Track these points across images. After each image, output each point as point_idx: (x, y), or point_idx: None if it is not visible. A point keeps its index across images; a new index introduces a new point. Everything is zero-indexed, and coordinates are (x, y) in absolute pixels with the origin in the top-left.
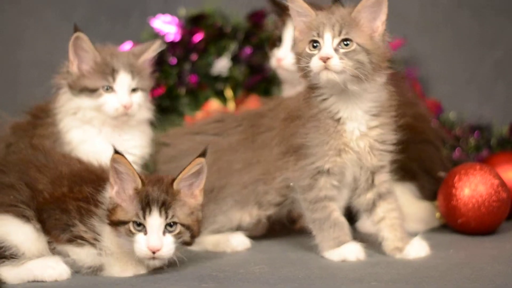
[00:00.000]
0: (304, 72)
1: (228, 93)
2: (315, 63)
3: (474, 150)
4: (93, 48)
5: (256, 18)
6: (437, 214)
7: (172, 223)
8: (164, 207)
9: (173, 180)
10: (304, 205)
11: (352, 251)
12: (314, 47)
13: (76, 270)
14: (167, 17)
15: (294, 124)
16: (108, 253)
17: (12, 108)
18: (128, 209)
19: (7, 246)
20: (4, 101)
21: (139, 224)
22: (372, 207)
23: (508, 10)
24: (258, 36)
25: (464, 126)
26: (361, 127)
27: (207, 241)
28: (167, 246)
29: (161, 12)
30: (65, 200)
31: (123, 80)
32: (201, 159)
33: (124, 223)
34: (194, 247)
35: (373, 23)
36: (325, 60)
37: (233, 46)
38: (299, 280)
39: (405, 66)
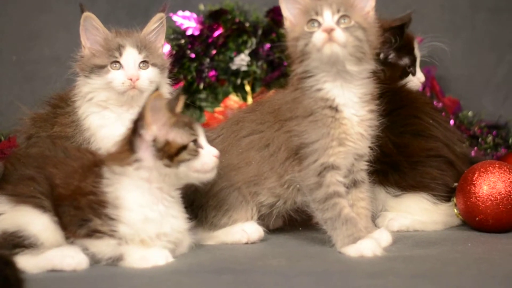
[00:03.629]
0: (302, 54)
1: (247, 88)
2: (318, 37)
3: (492, 149)
4: (102, 25)
5: (275, 14)
6: (455, 211)
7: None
8: None
9: None
10: (314, 206)
11: (368, 247)
12: (313, 26)
13: (95, 262)
14: (187, 13)
15: (287, 126)
16: (129, 240)
17: (31, 103)
18: (181, 135)
19: (26, 236)
20: (23, 96)
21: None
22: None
23: None
24: (277, 32)
25: (482, 125)
26: (358, 113)
27: (222, 234)
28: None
29: (181, 7)
30: (76, 197)
31: (129, 55)
32: None
33: (184, 147)
34: (210, 241)
35: (365, 7)
36: (329, 31)
37: (252, 42)
38: (317, 274)
39: (425, 64)
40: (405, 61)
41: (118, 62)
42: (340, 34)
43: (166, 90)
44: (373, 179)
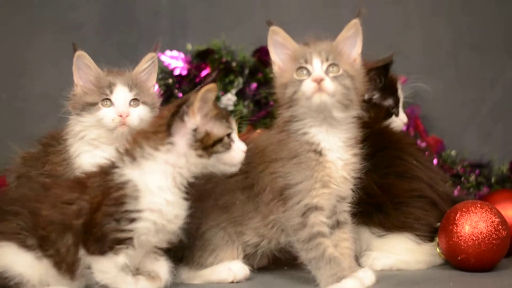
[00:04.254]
0: (290, 101)
1: None
2: (308, 86)
3: (475, 188)
4: (94, 64)
5: (262, 54)
6: (438, 250)
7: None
8: None
9: None
10: (298, 246)
11: (352, 286)
12: (302, 73)
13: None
14: (174, 52)
15: (271, 168)
16: (145, 233)
17: (20, 140)
18: (218, 127)
19: (11, 276)
20: (13, 133)
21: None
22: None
23: (509, 50)
24: (264, 72)
25: (465, 164)
26: (343, 157)
27: (208, 272)
28: None
29: (169, 47)
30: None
31: (120, 92)
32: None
33: (220, 140)
34: (195, 281)
35: (352, 55)
36: (318, 81)
37: (239, 81)
38: None
39: (408, 104)
40: (389, 101)
41: (109, 99)
42: (329, 84)
43: None
44: (357, 219)
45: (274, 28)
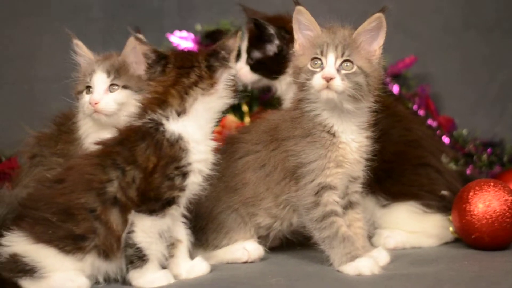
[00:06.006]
0: (303, 86)
1: (244, 108)
2: (318, 81)
3: (487, 167)
4: (87, 51)
5: None
6: (451, 229)
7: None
8: None
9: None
10: (311, 225)
11: (366, 265)
12: (316, 64)
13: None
14: (184, 33)
15: (284, 146)
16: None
17: (29, 122)
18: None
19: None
20: (22, 115)
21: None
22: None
23: None
24: None
25: (477, 143)
26: (357, 139)
27: (222, 252)
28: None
29: (178, 28)
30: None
31: (98, 79)
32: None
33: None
34: (209, 261)
35: (371, 47)
36: (328, 79)
37: None
38: None
39: (418, 83)
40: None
41: (90, 86)
42: (338, 83)
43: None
44: (365, 188)
45: (299, 8)
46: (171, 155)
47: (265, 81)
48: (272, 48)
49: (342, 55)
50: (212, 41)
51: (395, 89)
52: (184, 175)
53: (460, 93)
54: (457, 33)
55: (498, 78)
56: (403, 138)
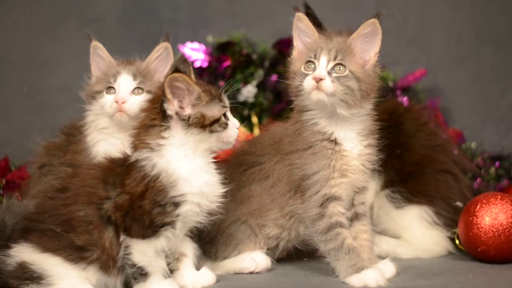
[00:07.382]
0: (297, 91)
1: (254, 119)
2: (308, 82)
3: (495, 180)
4: (107, 54)
5: (282, 46)
6: (457, 242)
7: None
8: None
9: None
10: (317, 237)
11: (372, 277)
12: (310, 68)
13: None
14: (195, 45)
15: (288, 160)
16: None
17: (41, 132)
18: (213, 109)
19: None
20: (34, 125)
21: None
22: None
23: None
24: (284, 64)
25: (485, 156)
26: (357, 147)
27: (229, 262)
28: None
29: (190, 39)
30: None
31: (123, 80)
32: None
33: (217, 120)
34: (216, 271)
35: (366, 53)
36: (317, 80)
37: (259, 73)
38: None
39: (428, 96)
40: None
41: (113, 87)
42: (328, 85)
43: None
44: (383, 183)
45: (299, 14)
46: (156, 187)
47: None
48: None
49: (335, 59)
50: (222, 53)
51: (405, 102)
52: (177, 204)
53: (470, 106)
54: (469, 47)
55: (508, 92)
56: (429, 142)
